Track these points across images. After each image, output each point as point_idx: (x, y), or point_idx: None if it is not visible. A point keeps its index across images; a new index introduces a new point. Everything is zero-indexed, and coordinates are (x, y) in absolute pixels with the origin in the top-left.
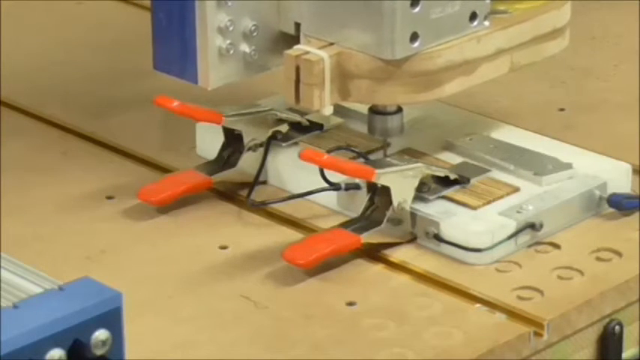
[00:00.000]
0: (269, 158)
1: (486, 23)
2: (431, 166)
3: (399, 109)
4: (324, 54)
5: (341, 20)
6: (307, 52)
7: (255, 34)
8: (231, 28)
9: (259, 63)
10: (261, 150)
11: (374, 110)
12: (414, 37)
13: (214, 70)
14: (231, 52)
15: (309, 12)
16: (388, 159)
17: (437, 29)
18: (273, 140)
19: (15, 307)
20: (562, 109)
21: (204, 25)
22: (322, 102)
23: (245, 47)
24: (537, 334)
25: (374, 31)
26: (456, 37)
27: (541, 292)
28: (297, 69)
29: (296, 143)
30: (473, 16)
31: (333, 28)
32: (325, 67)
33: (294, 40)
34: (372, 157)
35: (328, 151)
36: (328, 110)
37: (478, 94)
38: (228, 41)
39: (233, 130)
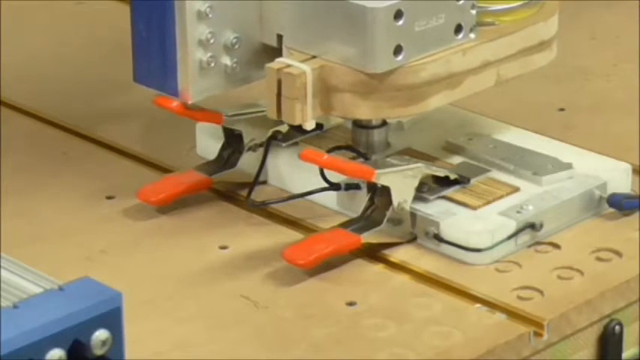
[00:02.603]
0: (269, 158)
1: (472, 36)
2: (431, 166)
3: (384, 123)
4: (306, 67)
5: (324, 33)
6: (289, 66)
7: (236, 46)
8: (212, 41)
9: (241, 76)
10: (261, 150)
11: (358, 124)
12: (397, 50)
13: (195, 84)
14: (212, 64)
15: (292, 24)
16: (388, 159)
17: (421, 42)
18: (273, 140)
19: (15, 307)
20: (562, 109)
21: (185, 38)
22: (304, 116)
23: (226, 60)
24: (537, 334)
25: (357, 44)
26: (441, 49)
27: (541, 292)
28: (279, 82)
29: (296, 143)
30: (458, 29)
31: (315, 40)
32: (307, 80)
33: (277, 52)
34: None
35: (328, 151)
36: (310, 125)
37: (478, 94)
38: (209, 54)
39: (233, 130)
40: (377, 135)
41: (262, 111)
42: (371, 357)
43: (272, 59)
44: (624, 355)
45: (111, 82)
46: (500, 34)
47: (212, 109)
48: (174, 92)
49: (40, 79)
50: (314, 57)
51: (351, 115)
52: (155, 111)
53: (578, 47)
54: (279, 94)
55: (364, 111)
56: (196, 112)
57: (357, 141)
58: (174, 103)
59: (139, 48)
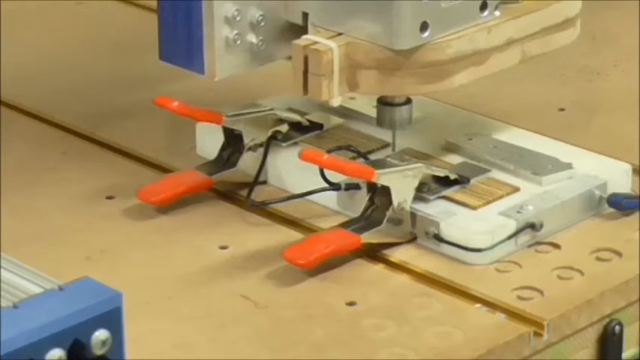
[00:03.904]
0: (269, 158)
1: (497, 13)
2: (431, 166)
3: (408, 101)
4: (332, 44)
5: (349, 10)
6: (316, 43)
7: (262, 24)
8: (238, 18)
9: (266, 53)
10: (261, 150)
11: (382, 101)
12: (423, 26)
13: (221, 61)
14: (238, 42)
15: (317, 2)
16: (388, 159)
17: (447, 19)
18: (273, 140)
19: (15, 307)
20: (562, 109)
21: (211, 15)
22: (331, 93)
23: (252, 37)
24: (537, 334)
25: (383, 21)
26: (466, 26)
27: (541, 292)
28: (306, 59)
29: (296, 143)
30: (484, 6)
31: (341, 17)
32: (334, 57)
33: (302, 30)
34: (372, 157)
35: (328, 151)
36: (337, 101)
37: (478, 94)
38: (235, 31)
39: (233, 130)
40: (401, 112)
41: (262, 111)
42: (371, 357)
43: (297, 37)
44: (624, 355)
45: (111, 82)
46: (525, 12)
47: (212, 109)
48: (200, 70)
49: (40, 79)
50: (340, 34)
51: (377, 92)
52: (155, 111)
53: (578, 47)
54: (305, 71)
55: (390, 88)
56: (196, 112)
57: (382, 119)
58: (175, 103)
59: (165, 27)
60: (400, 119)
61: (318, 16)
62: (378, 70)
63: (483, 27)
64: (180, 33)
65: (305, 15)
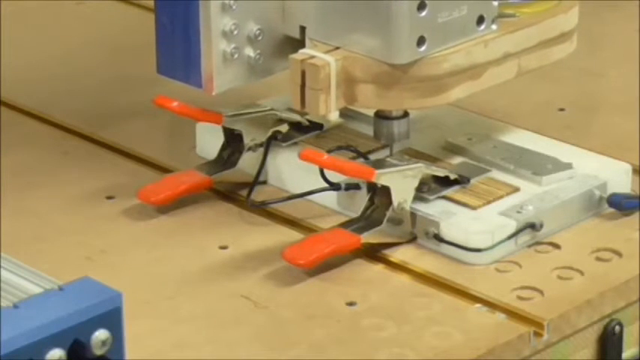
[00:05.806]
0: (269, 158)
1: (494, 27)
2: (431, 166)
3: (405, 114)
4: (330, 58)
5: (347, 24)
6: (313, 57)
7: (259, 38)
8: (235, 32)
9: (264, 67)
10: (261, 150)
11: (380, 115)
12: (420, 41)
13: (219, 75)
14: (236, 56)
15: (315, 16)
16: (388, 159)
17: (444, 33)
18: (273, 140)
19: (15, 307)
20: (562, 109)
21: (209, 29)
22: (328, 107)
23: (250, 51)
24: (537, 334)
25: (380, 36)
26: (463, 41)
27: (541, 292)
28: (303, 73)
29: (296, 143)
30: (480, 20)
31: (338, 32)
32: (331, 71)
33: (300, 44)
34: (372, 157)
35: (328, 151)
36: (334, 116)
37: (478, 94)
38: (232, 45)
39: (233, 130)
40: (398, 126)
41: (262, 111)
42: (371, 357)
43: (294, 51)
44: (624, 355)
45: (111, 82)
46: (521, 26)
47: (212, 109)
48: (198, 84)
49: (40, 79)
50: (337, 48)
51: (374, 106)
52: (155, 111)
53: (578, 47)
54: (302, 86)
55: (387, 102)
56: (196, 112)
57: (379, 132)
58: (175, 103)
59: (163, 40)
60: (397, 132)
61: (315, 30)
62: (376, 85)
63: (480, 41)
64: (178, 47)
65: (302, 29)
